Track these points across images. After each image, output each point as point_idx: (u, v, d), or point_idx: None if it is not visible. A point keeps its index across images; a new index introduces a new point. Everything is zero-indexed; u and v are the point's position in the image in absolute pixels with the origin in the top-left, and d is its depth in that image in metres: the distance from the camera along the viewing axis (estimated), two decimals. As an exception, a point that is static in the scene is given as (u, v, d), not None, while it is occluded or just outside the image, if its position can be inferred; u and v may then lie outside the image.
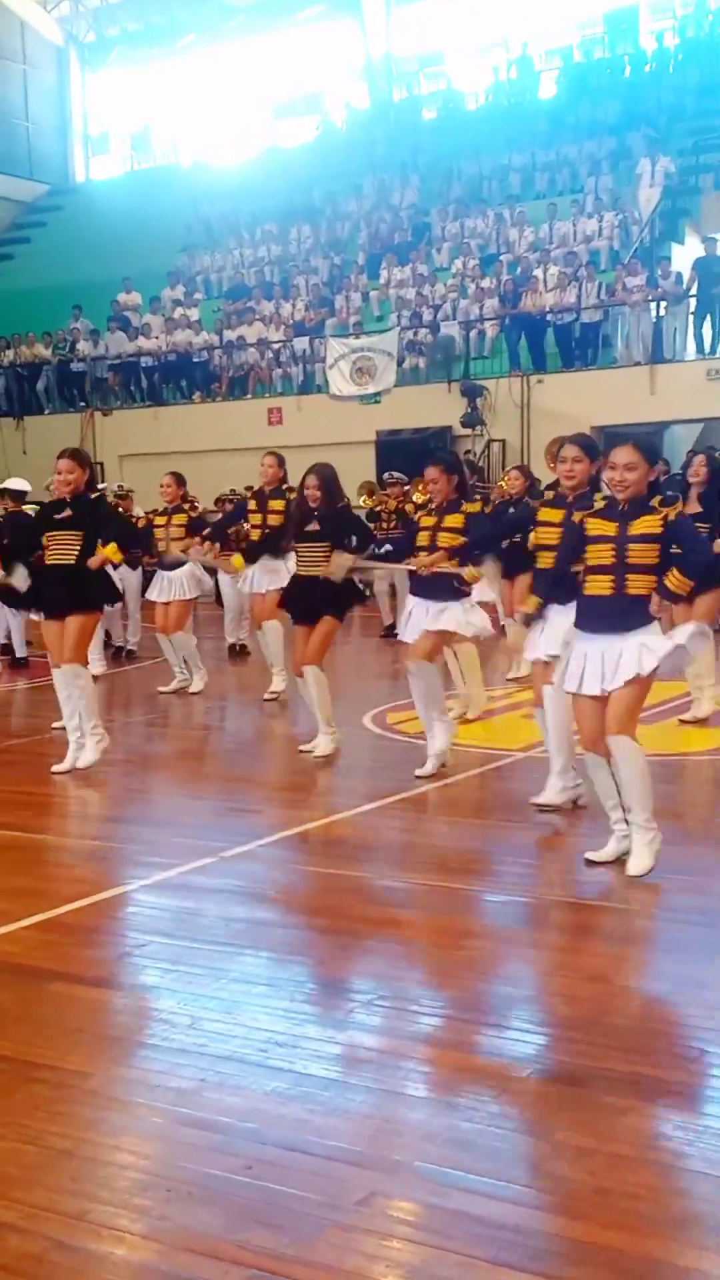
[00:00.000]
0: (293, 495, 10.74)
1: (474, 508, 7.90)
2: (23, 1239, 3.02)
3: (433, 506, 7.79)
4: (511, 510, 10.69)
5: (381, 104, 33.61)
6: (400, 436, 21.61)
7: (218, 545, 11.33)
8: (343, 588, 8.18)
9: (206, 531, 11.26)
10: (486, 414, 21.30)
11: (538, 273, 22.28)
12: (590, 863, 5.85)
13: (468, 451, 20.87)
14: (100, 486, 10.39)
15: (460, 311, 22.76)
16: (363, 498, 16.32)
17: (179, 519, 11.48)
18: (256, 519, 10.57)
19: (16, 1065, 3.94)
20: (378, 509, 16.20)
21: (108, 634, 13.26)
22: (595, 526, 5.69)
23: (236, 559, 10.58)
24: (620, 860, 5.79)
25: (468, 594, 7.64)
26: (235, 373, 24.79)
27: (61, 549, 7.99)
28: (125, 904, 5.62)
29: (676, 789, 7.53)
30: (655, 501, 5.68)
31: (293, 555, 8.77)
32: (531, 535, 6.69)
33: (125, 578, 12.06)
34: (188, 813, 7.31)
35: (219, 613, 14.31)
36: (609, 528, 5.63)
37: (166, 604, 11.36)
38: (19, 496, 13.35)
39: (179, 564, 11.36)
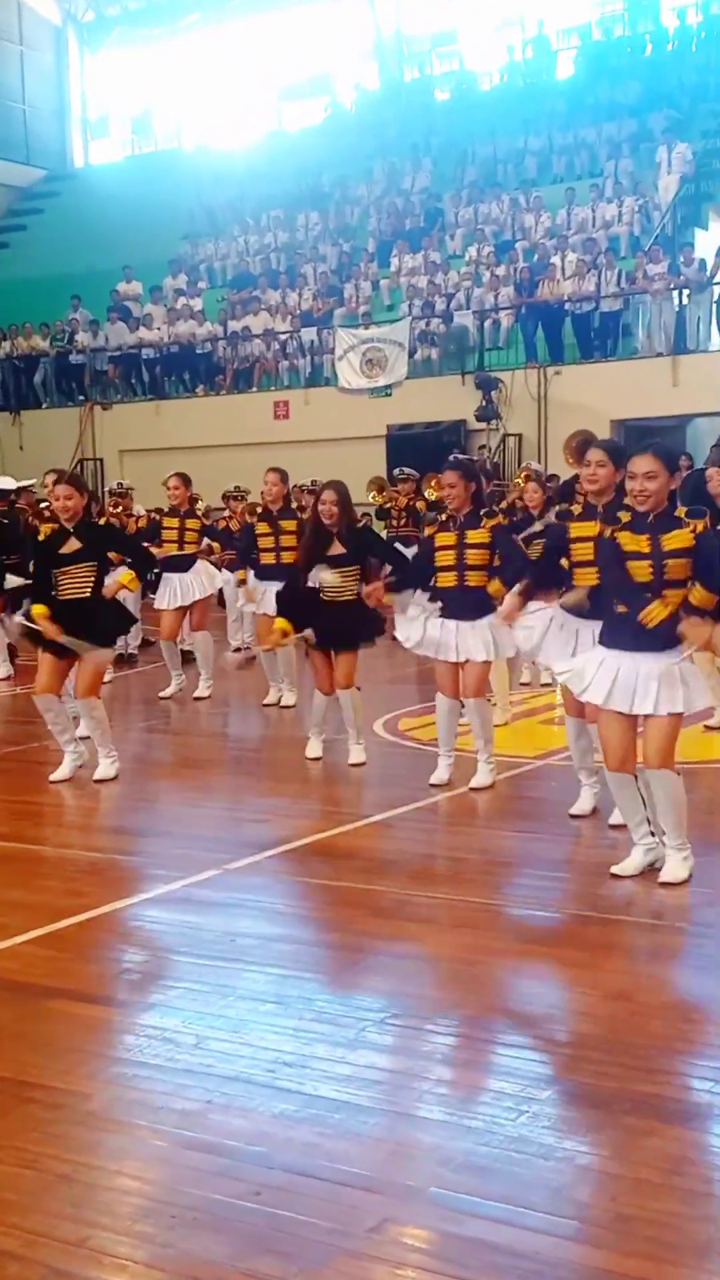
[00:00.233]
0: (305, 515, 10.79)
1: (498, 520, 7.87)
2: (21, 1267, 3.02)
3: (447, 516, 7.74)
4: (537, 525, 10.67)
5: (392, 85, 33.65)
6: (412, 431, 21.61)
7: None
8: (369, 614, 8.25)
9: (230, 557, 11.56)
10: (502, 407, 21.29)
11: (555, 260, 22.26)
12: (615, 876, 5.85)
13: (482, 446, 20.88)
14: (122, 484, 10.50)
15: (474, 300, 22.76)
16: (372, 494, 16.33)
17: (192, 523, 11.50)
18: (268, 541, 10.61)
19: (14, 1085, 3.94)
20: (388, 506, 16.22)
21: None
22: (629, 541, 5.68)
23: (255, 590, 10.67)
24: (645, 873, 5.80)
25: (495, 608, 7.64)
26: (240, 365, 24.82)
27: (75, 584, 7.95)
28: (127, 918, 5.61)
29: (703, 797, 7.51)
30: (681, 512, 5.72)
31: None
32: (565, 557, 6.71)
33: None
34: (191, 823, 7.31)
35: (220, 615, 14.31)
36: (641, 542, 5.63)
37: (180, 609, 11.33)
38: (2, 495, 13.41)
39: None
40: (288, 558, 10.15)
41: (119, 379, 25.86)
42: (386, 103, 32.51)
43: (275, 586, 10.32)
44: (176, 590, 11.29)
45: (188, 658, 11.89)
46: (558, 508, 9.66)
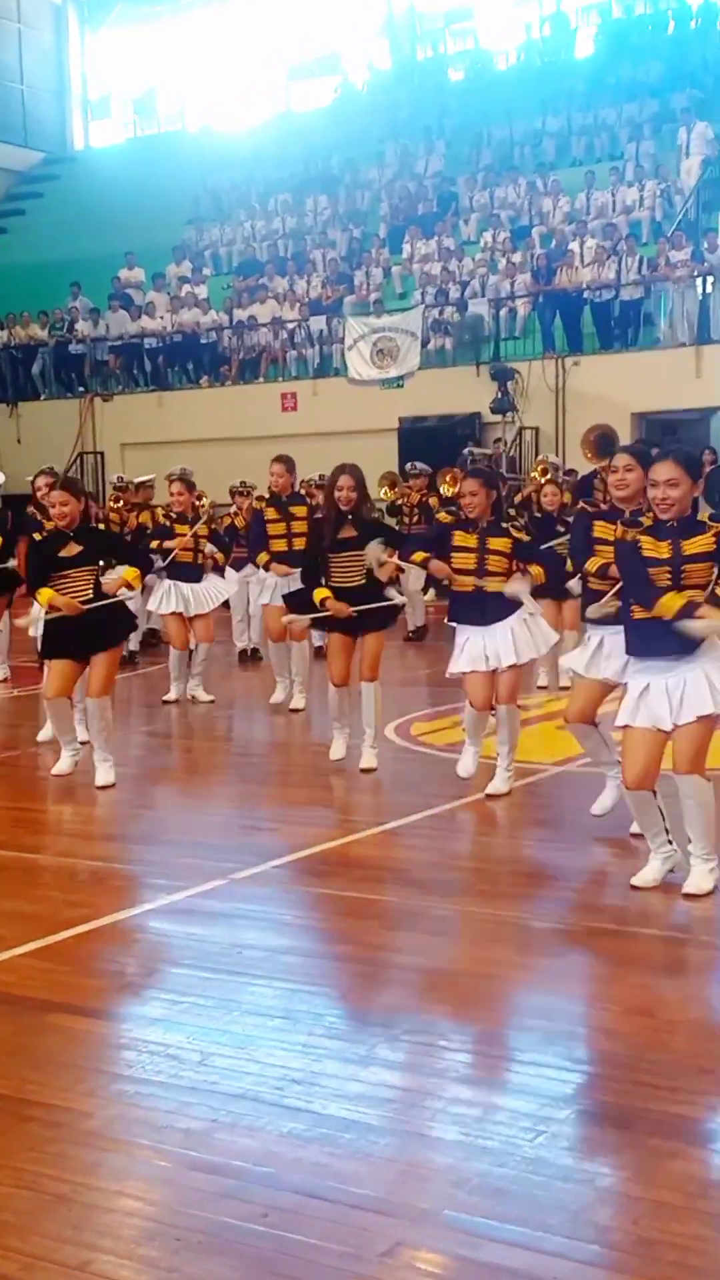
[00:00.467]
0: (314, 500, 10.82)
1: (522, 536, 7.89)
2: (19, 1291, 3.02)
3: (466, 517, 7.75)
4: (559, 529, 10.68)
5: (404, 64, 33.67)
6: (425, 424, 21.62)
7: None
8: (384, 603, 8.30)
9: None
10: (518, 399, 21.29)
11: (573, 246, 22.26)
12: (635, 888, 5.85)
13: (497, 440, 20.88)
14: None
15: (490, 288, 22.77)
16: (384, 490, 16.30)
17: (201, 530, 11.60)
18: (279, 528, 10.62)
19: (12, 1103, 3.94)
20: (399, 502, 16.19)
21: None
22: (650, 546, 5.73)
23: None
24: (668, 885, 5.80)
25: (514, 609, 7.65)
26: (246, 355, 24.84)
27: (75, 588, 8.04)
28: (129, 929, 5.62)
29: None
30: (705, 516, 5.75)
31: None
32: (590, 561, 6.73)
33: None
34: (195, 831, 7.32)
35: (225, 615, 14.31)
36: (662, 548, 5.68)
37: (193, 617, 11.35)
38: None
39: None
40: (299, 544, 10.17)
41: (120, 370, 25.90)
42: (399, 83, 32.53)
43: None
44: (189, 600, 11.34)
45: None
46: (579, 506, 9.66)
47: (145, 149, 35.23)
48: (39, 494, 10.09)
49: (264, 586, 11.03)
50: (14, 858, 6.78)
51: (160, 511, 13.23)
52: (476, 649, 7.61)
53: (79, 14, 38.17)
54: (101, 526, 11.77)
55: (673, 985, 4.91)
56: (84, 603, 8.02)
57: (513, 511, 9.00)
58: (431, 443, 19.84)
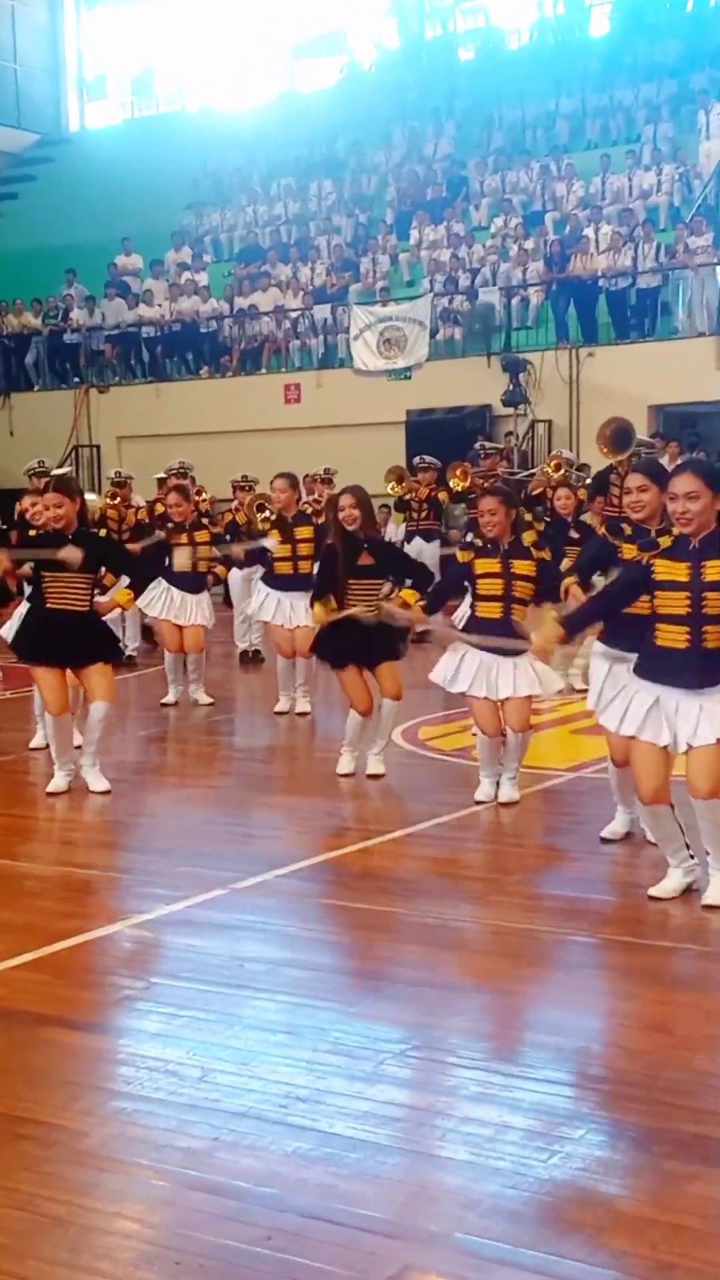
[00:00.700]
0: (320, 520, 10.95)
1: (544, 555, 7.90)
2: (13, 1316, 3.03)
3: (487, 541, 7.74)
4: (573, 534, 10.67)
5: (413, 43, 33.65)
6: (433, 416, 21.61)
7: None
8: (391, 628, 8.35)
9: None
10: (530, 391, 21.25)
11: (588, 232, 22.24)
12: (653, 899, 5.85)
13: (509, 433, 20.87)
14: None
15: (501, 276, 22.75)
16: (391, 485, 16.32)
17: (201, 535, 11.69)
18: (284, 550, 10.77)
19: (5, 1121, 3.95)
20: (407, 497, 16.21)
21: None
22: (665, 569, 5.66)
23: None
24: (686, 896, 5.81)
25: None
26: (247, 345, 24.84)
27: (72, 595, 8.00)
28: (125, 941, 5.62)
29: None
30: None
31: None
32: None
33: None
34: (195, 839, 7.32)
35: (227, 615, 14.33)
36: (680, 571, 5.61)
37: (189, 626, 11.39)
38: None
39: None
40: (305, 567, 10.42)
41: (117, 359, 25.90)
42: (406, 62, 32.52)
43: (292, 597, 10.42)
44: (191, 609, 11.37)
45: None
46: (594, 505, 9.63)
47: (143, 130, 35.22)
48: (28, 514, 9.92)
49: (277, 610, 10.95)
50: (6, 866, 6.78)
51: (158, 508, 13.23)
52: (472, 665, 7.62)
53: (74, -10, 38.20)
54: (102, 533, 11.80)
55: (692, 1000, 4.90)
56: (79, 614, 7.99)
57: (529, 517, 8.95)
58: (440, 436, 19.82)
